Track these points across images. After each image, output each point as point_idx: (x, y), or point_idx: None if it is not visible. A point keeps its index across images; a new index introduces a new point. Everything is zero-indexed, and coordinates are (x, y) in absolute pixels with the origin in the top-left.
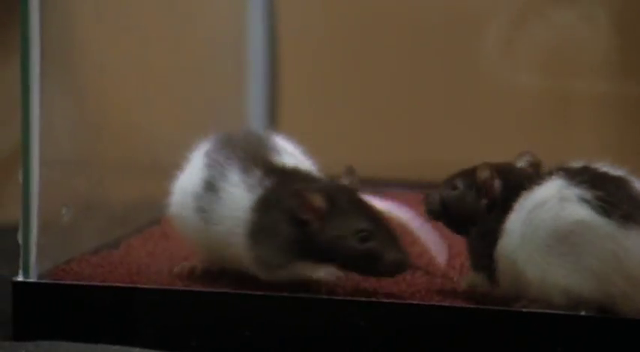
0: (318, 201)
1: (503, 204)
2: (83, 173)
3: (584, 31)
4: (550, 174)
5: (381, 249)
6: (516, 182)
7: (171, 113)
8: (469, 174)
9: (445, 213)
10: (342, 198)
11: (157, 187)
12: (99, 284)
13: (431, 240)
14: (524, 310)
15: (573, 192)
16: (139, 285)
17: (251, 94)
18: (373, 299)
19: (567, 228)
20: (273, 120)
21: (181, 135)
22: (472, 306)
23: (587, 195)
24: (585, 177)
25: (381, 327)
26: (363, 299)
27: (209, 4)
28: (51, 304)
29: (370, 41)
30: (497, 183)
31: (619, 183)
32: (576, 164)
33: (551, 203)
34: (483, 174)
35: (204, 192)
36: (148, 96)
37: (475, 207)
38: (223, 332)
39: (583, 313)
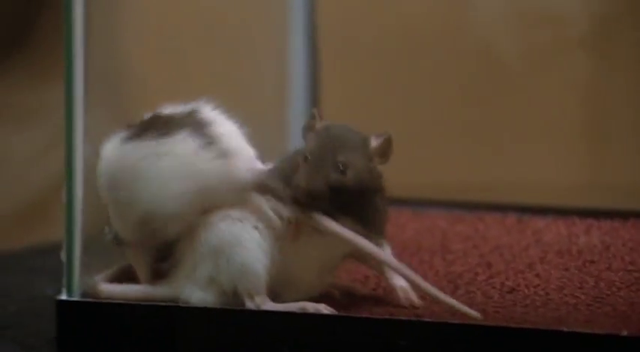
0: None
1: None
2: None
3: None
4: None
5: None
6: None
7: None
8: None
9: (342, 197)
10: None
11: None
12: (141, 303)
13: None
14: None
15: None
16: (180, 304)
17: (292, 110)
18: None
19: None
20: None
21: None
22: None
23: None
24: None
25: None
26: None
27: (250, 20)
28: (94, 322)
29: (411, 55)
30: None
31: None
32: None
33: None
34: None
35: None
36: None
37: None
38: None
39: None
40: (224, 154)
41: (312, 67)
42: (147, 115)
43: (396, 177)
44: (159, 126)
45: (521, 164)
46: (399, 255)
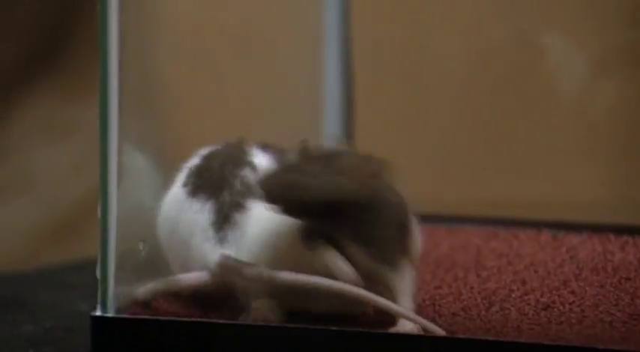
0: None
1: None
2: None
3: None
4: None
5: None
6: None
7: None
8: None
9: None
10: None
11: None
12: (176, 319)
13: None
14: None
15: None
16: (213, 320)
17: (326, 127)
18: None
19: None
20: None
21: None
22: None
23: None
24: None
25: None
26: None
27: (284, 37)
28: (128, 338)
29: (446, 68)
30: None
31: None
32: None
33: None
34: None
35: None
36: (225, 131)
37: None
38: None
39: None
40: (220, 240)
41: (347, 82)
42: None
43: (430, 193)
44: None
45: (555, 180)
46: (433, 271)
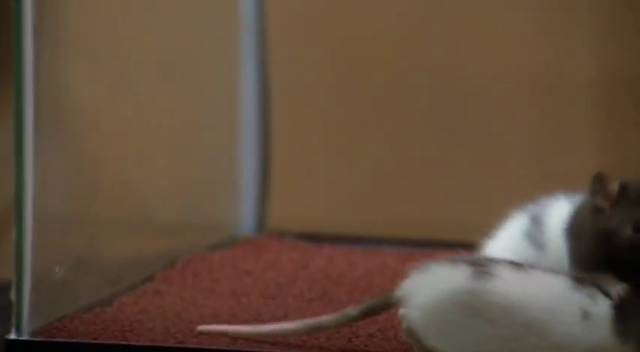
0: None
1: None
2: (76, 230)
3: None
4: None
5: None
6: None
7: (164, 171)
8: None
9: None
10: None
11: (149, 245)
12: (91, 341)
13: None
14: None
15: None
16: (132, 343)
17: (243, 153)
18: None
19: None
20: (266, 180)
21: (174, 193)
22: None
23: None
24: None
25: None
26: None
27: (202, 63)
28: None
29: (369, 99)
30: None
31: None
32: None
33: None
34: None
35: None
36: (141, 154)
37: None
38: None
39: None
40: None
41: (263, 104)
42: None
43: (345, 215)
44: None
45: (472, 201)
46: (349, 293)
